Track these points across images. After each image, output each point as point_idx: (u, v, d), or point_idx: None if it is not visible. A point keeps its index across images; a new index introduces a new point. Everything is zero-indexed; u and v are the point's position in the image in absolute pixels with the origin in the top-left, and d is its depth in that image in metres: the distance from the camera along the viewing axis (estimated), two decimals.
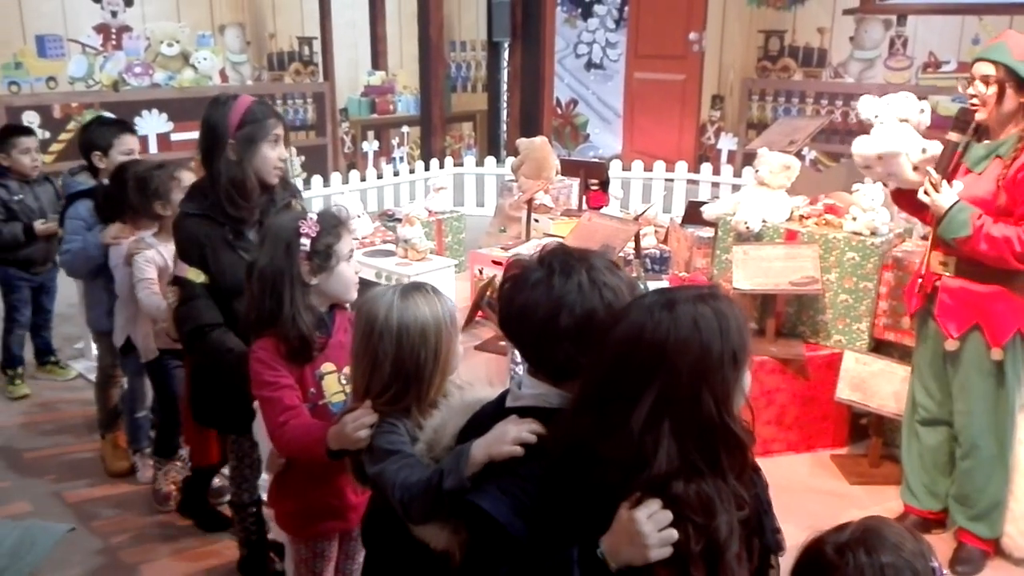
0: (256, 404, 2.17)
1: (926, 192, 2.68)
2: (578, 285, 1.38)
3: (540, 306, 1.39)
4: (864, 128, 3.01)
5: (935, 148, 2.77)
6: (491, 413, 1.51)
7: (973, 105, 2.66)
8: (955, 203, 2.63)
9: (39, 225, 3.88)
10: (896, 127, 2.87)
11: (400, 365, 1.69)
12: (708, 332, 1.24)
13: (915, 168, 2.81)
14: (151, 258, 2.96)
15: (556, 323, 1.37)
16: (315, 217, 2.05)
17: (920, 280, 2.86)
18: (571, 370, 1.40)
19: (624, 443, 1.23)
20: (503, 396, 1.52)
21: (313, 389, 2.08)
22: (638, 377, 1.25)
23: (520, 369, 3.82)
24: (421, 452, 1.61)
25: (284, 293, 2.00)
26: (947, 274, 2.78)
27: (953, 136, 2.70)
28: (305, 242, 2.01)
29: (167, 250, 2.92)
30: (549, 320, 1.38)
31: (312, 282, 2.04)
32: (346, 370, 2.10)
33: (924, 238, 3.73)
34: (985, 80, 2.61)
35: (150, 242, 3.03)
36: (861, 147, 2.91)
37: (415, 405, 1.70)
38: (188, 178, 2.99)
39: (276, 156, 2.42)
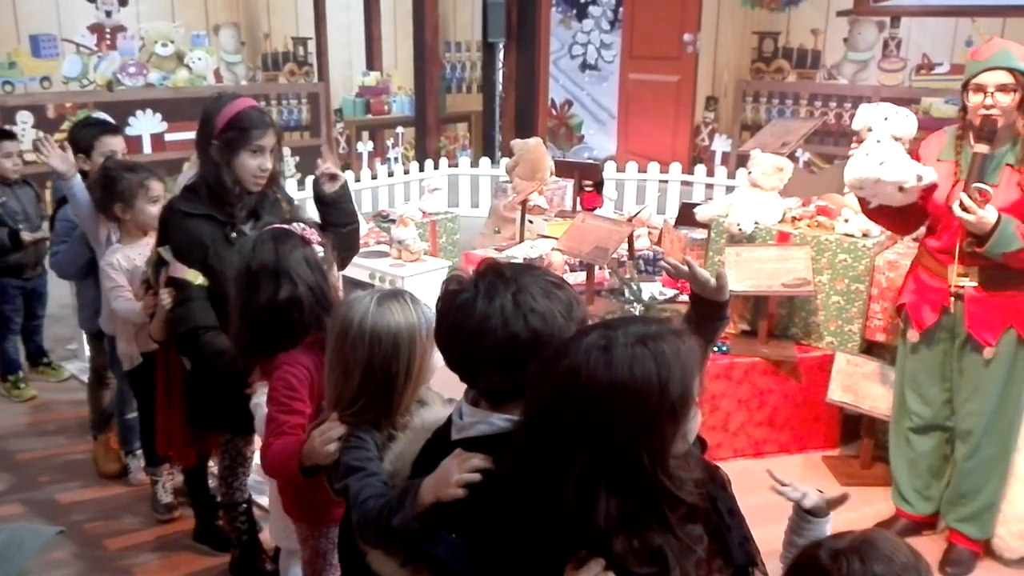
0: (254, 403, 2.16)
1: (965, 209, 2.55)
2: (500, 309, 1.32)
3: (464, 327, 1.34)
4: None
5: (930, 175, 2.71)
6: (436, 444, 1.46)
7: (994, 115, 2.59)
8: (1000, 217, 2.55)
9: (27, 236, 3.86)
10: (892, 147, 2.79)
11: (370, 374, 1.65)
12: (644, 380, 1.15)
13: (900, 189, 2.75)
14: (117, 264, 2.91)
15: (479, 346, 1.33)
16: (302, 226, 2.04)
17: (952, 295, 2.76)
18: (499, 394, 1.37)
19: (562, 504, 1.18)
20: (449, 423, 1.48)
21: None
22: (571, 429, 1.18)
23: None
24: (388, 475, 1.57)
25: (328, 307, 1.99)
26: (972, 285, 2.74)
27: (982, 148, 2.62)
28: (319, 248, 2.02)
29: (134, 252, 2.91)
30: (472, 343, 1.34)
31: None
32: None
33: (916, 239, 3.74)
34: (1003, 89, 2.57)
35: (115, 247, 2.99)
36: (860, 171, 2.77)
37: (384, 417, 1.67)
38: (157, 188, 2.95)
39: (256, 166, 2.41)
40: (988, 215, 2.54)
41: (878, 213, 2.91)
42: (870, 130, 2.84)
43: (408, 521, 1.37)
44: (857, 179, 2.80)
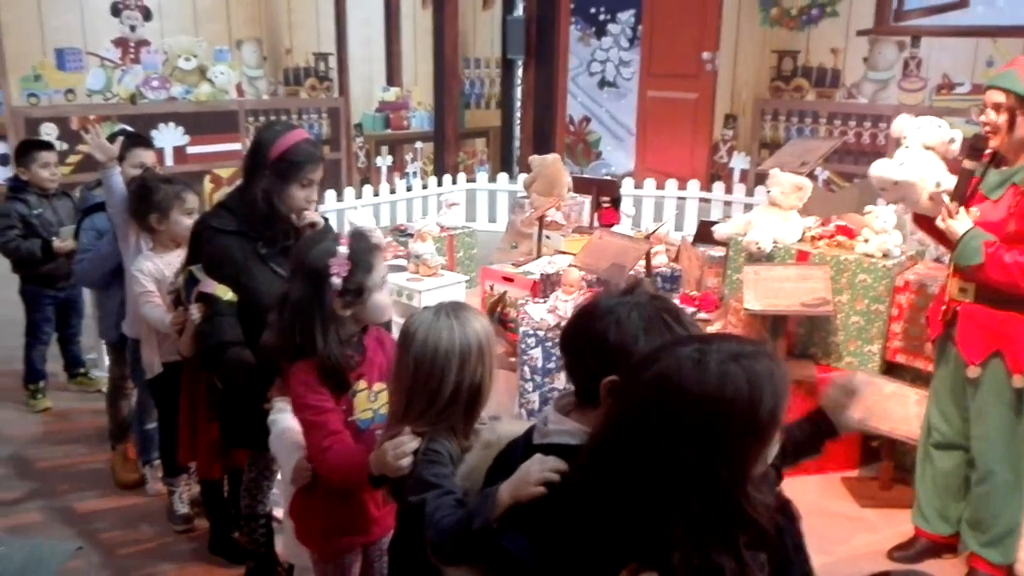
0: (271, 419, 2.17)
1: (942, 219, 2.70)
2: (607, 310, 1.38)
3: (598, 310, 1.41)
4: (882, 146, 3.04)
5: (950, 183, 2.78)
6: (512, 452, 1.50)
7: (987, 132, 2.66)
8: (969, 230, 2.63)
9: (57, 243, 3.90)
10: (919, 154, 2.90)
11: (434, 388, 1.69)
12: (735, 397, 1.14)
13: (930, 198, 2.83)
14: (149, 271, 2.94)
15: (577, 335, 1.40)
16: (346, 252, 2.01)
17: (944, 307, 2.84)
18: (582, 389, 1.41)
19: (630, 508, 1.17)
20: (530, 432, 1.50)
21: (344, 406, 2.07)
22: (654, 435, 1.16)
23: (529, 385, 3.81)
24: (462, 492, 1.60)
25: (316, 329, 1.98)
26: (967, 300, 2.77)
27: (968, 164, 2.71)
28: (337, 281, 1.99)
29: (163, 262, 2.95)
30: (575, 332, 1.42)
31: (345, 314, 2.03)
32: (375, 387, 2.10)
33: (937, 260, 3.73)
34: (996, 107, 2.62)
35: (146, 255, 3.02)
36: (879, 170, 2.94)
37: (457, 426, 1.70)
38: (193, 201, 3.00)
39: (304, 197, 2.46)
40: (957, 226, 2.65)
41: (923, 222, 2.97)
42: (905, 137, 2.98)
43: (488, 522, 1.40)
44: (877, 178, 2.93)
